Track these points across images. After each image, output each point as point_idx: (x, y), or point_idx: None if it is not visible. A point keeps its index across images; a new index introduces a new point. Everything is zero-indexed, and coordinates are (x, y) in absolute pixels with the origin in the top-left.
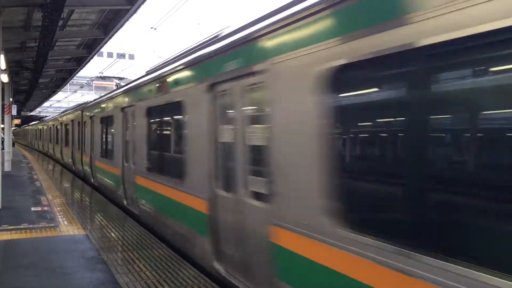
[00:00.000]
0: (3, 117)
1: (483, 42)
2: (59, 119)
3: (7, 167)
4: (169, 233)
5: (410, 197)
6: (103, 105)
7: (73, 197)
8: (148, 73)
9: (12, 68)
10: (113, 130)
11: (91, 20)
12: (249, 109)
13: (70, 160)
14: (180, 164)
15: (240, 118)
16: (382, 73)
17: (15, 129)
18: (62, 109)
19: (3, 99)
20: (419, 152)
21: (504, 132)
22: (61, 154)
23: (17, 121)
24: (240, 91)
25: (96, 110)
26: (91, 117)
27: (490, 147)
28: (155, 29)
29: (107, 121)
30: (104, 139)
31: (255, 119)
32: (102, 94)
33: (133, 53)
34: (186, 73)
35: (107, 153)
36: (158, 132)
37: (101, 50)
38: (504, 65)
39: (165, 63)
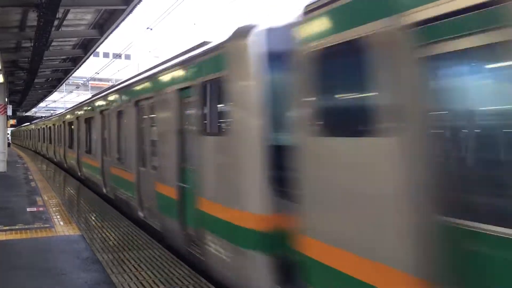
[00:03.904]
0: None
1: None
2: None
3: (2, 167)
4: None
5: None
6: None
7: (68, 198)
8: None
9: (7, 68)
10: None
11: (87, 20)
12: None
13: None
14: None
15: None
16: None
17: (13, 129)
18: (57, 110)
19: None
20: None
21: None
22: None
23: (12, 122)
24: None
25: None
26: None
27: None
28: (151, 29)
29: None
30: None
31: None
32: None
33: (129, 53)
34: None
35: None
36: None
37: (97, 50)
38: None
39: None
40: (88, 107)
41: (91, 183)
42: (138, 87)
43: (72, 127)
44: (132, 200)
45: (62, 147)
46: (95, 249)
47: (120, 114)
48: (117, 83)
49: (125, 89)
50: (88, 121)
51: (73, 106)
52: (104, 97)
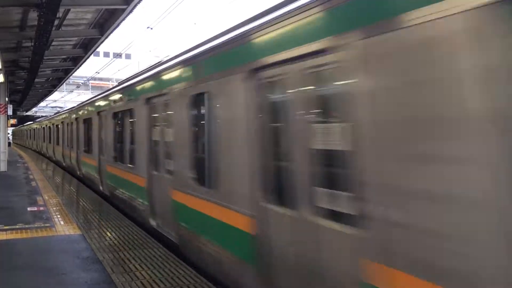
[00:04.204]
0: None
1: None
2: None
3: (3, 167)
4: None
5: None
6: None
7: (69, 197)
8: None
9: (8, 68)
10: None
11: (87, 19)
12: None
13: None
14: None
15: None
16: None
17: (14, 128)
18: (55, 110)
19: None
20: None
21: None
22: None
23: (13, 121)
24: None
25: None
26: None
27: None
28: (151, 28)
29: None
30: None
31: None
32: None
33: (129, 53)
34: None
35: None
36: None
37: (98, 49)
38: None
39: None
40: (118, 96)
41: (124, 205)
42: (254, 45)
43: (92, 125)
44: (239, 269)
45: (74, 151)
46: (95, 248)
47: (197, 100)
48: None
49: (213, 53)
50: (121, 116)
51: (91, 98)
52: (156, 77)
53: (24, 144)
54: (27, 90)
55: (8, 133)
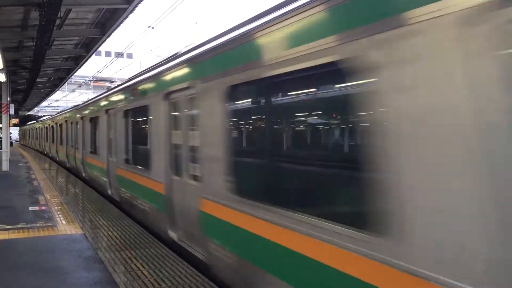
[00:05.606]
0: (0, 116)
1: None
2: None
3: (5, 166)
4: None
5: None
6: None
7: (71, 197)
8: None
9: (10, 68)
10: None
11: (89, 19)
12: None
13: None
14: None
15: None
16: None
17: (23, 127)
18: (57, 109)
19: (0, 99)
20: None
21: None
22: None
23: (15, 121)
24: None
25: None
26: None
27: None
28: (152, 28)
29: None
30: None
31: None
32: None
33: (131, 52)
34: None
35: None
36: None
37: (99, 49)
38: None
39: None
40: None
41: None
42: None
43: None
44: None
45: (118, 162)
46: (97, 248)
47: None
48: None
49: None
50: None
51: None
52: None
53: (38, 147)
54: (29, 90)
55: (11, 133)
